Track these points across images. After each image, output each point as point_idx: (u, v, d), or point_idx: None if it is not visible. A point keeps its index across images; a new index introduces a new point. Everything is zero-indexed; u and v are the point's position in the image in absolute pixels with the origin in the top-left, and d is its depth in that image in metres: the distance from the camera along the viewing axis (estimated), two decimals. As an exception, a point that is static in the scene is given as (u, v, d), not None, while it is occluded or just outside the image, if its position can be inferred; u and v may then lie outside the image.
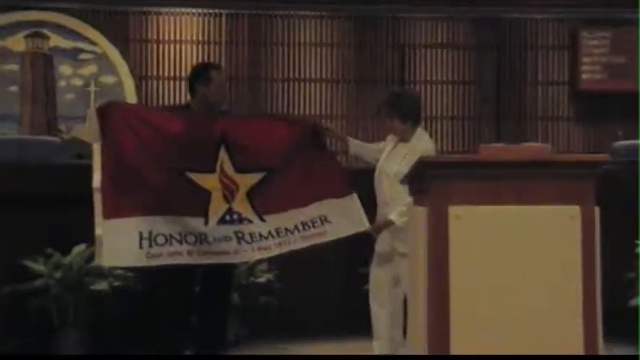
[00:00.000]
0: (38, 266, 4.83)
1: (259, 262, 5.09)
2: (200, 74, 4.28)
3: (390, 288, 4.38)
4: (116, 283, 4.83)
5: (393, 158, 4.39)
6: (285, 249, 4.14)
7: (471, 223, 2.63)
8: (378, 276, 4.43)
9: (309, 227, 4.19)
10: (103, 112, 3.95)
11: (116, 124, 3.94)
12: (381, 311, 4.40)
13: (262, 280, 5.25)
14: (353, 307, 4.86)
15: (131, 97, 9.53)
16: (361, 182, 4.41)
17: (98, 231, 3.84)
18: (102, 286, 4.78)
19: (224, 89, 4.27)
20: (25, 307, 4.78)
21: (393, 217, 4.28)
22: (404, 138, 4.41)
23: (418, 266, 2.89)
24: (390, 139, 4.51)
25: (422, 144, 4.41)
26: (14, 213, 4.95)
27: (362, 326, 4.50)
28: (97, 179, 3.87)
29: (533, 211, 2.65)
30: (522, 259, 2.62)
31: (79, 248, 4.82)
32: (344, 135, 4.68)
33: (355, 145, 4.56)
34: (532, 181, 2.67)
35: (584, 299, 2.60)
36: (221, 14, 9.86)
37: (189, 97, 4.34)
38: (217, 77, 4.24)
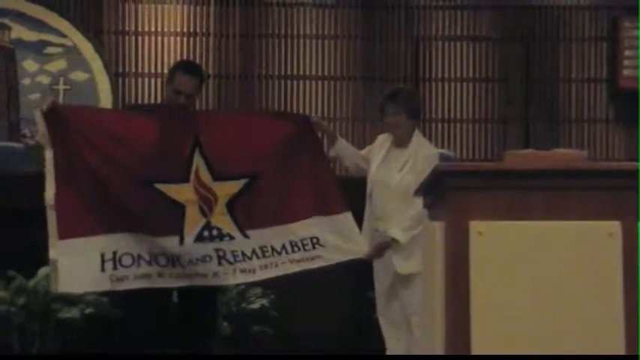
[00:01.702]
0: (-2, 291, 4.84)
1: (252, 286, 5.09)
2: (169, 71, 4.36)
3: (407, 328, 4.32)
4: (88, 310, 4.84)
5: (391, 166, 4.38)
6: (271, 273, 4.13)
7: (495, 241, 2.62)
8: (389, 315, 4.40)
9: (299, 249, 4.17)
10: (50, 115, 3.91)
11: (67, 129, 3.91)
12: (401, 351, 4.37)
13: (256, 306, 5.25)
14: (361, 337, 4.86)
15: (106, 97, 9.54)
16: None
17: (52, 253, 3.84)
18: (72, 313, 4.79)
19: (183, 98, 4.16)
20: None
21: (397, 235, 4.25)
22: (402, 139, 4.41)
23: (434, 290, 2.89)
24: (381, 142, 4.51)
25: (424, 149, 4.43)
26: (-30, 229, 4.96)
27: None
28: (49, 194, 3.87)
29: (567, 228, 2.64)
30: (553, 282, 2.62)
31: (45, 270, 4.82)
32: (334, 132, 4.64)
33: (341, 147, 4.51)
34: (565, 193, 2.67)
35: (627, 331, 2.59)
36: (209, 2, 9.88)
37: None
38: (179, 83, 4.18)
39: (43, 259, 4.78)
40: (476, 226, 2.63)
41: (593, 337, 2.58)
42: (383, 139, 4.52)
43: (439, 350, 2.75)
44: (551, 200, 2.67)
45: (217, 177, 4.09)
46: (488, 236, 2.62)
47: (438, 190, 2.86)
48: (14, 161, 5.57)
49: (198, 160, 4.07)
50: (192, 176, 4.06)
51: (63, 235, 3.84)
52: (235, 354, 5.17)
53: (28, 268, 4.88)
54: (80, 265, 3.86)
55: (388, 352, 4.43)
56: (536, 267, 2.62)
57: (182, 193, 4.03)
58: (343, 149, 4.50)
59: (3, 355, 4.78)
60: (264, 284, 5.11)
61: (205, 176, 4.07)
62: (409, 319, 4.25)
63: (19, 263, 4.91)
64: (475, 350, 2.59)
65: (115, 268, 3.90)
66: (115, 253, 3.90)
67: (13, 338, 4.78)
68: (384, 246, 4.30)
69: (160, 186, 4.00)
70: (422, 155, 4.35)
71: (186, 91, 4.20)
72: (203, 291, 4.15)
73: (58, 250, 3.82)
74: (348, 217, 4.27)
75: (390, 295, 4.37)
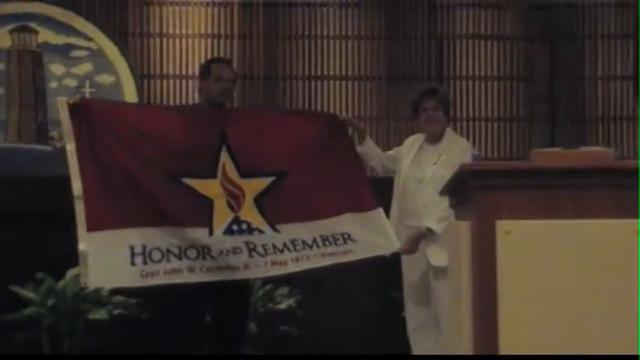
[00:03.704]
0: (27, 293, 4.88)
1: (279, 286, 5.11)
2: (201, 69, 4.39)
3: (435, 330, 4.30)
4: (116, 311, 4.87)
5: (423, 162, 4.38)
6: (302, 266, 4.10)
7: (522, 240, 2.62)
8: (417, 317, 4.38)
9: (330, 243, 4.15)
10: (76, 109, 3.91)
11: (95, 123, 3.91)
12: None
13: (282, 306, 5.26)
14: (387, 337, 4.85)
15: (131, 99, 9.59)
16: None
17: (81, 246, 3.79)
18: (100, 314, 4.82)
19: (225, 82, 4.27)
20: (14, 339, 4.82)
21: (431, 224, 4.24)
22: (437, 134, 4.41)
23: (461, 290, 2.89)
24: (411, 142, 4.51)
25: (458, 144, 4.43)
26: None
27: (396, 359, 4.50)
28: (76, 186, 3.84)
29: (594, 226, 2.63)
30: (582, 281, 2.61)
31: (74, 272, 4.86)
32: (364, 130, 4.64)
33: (369, 146, 4.50)
34: (593, 192, 2.65)
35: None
36: (233, 4, 9.91)
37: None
38: (217, 70, 4.28)
39: (71, 261, 4.84)
40: (503, 226, 2.62)
41: (622, 337, 2.57)
42: (413, 140, 4.52)
43: (466, 351, 2.75)
44: (578, 199, 2.66)
45: (244, 174, 4.10)
46: (515, 236, 2.62)
47: (464, 190, 2.86)
48: (42, 163, 5.61)
49: (225, 157, 4.08)
50: (219, 172, 4.07)
51: (91, 227, 3.81)
52: (262, 354, 5.18)
53: (57, 270, 4.91)
54: (110, 259, 3.82)
55: (414, 354, 4.41)
56: (564, 266, 2.61)
57: (209, 188, 4.04)
58: (371, 148, 4.51)
59: (33, 355, 4.82)
60: (291, 285, 5.12)
61: (232, 173, 4.08)
62: (438, 319, 4.23)
63: (48, 265, 4.94)
64: (503, 351, 2.58)
65: (145, 262, 3.86)
66: (144, 247, 3.87)
67: (44, 339, 4.82)
68: (419, 237, 4.28)
69: (187, 181, 4.01)
70: (456, 148, 4.36)
71: (226, 75, 4.29)
72: (237, 293, 4.14)
73: (87, 242, 3.80)
74: (379, 213, 4.27)
75: (419, 291, 4.35)
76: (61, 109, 3.91)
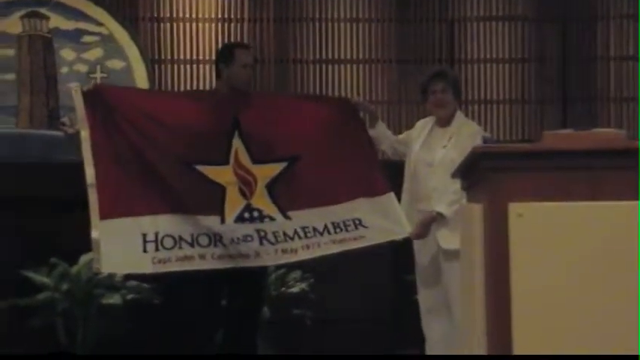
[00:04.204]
0: (41, 278, 4.90)
1: (291, 269, 5.11)
2: (223, 54, 4.33)
3: (447, 313, 4.30)
4: (130, 296, 4.89)
5: (433, 145, 4.37)
6: (313, 253, 4.11)
7: (535, 222, 2.61)
8: (428, 301, 4.39)
9: (341, 230, 4.15)
10: (91, 95, 3.90)
11: (109, 109, 3.91)
12: (439, 337, 4.35)
13: (295, 290, 5.27)
14: (400, 320, 4.86)
15: (142, 84, 9.60)
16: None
17: (94, 233, 3.82)
18: (114, 299, 4.84)
19: (250, 70, 4.27)
20: (28, 324, 4.85)
21: (441, 208, 4.23)
22: (447, 117, 4.40)
23: (473, 273, 2.89)
24: (422, 125, 4.50)
25: (468, 126, 4.42)
26: (12, 218, 5.02)
27: (409, 342, 4.50)
28: (90, 173, 3.85)
29: (608, 208, 2.62)
30: (596, 264, 2.60)
31: (88, 257, 4.87)
32: (376, 113, 4.60)
33: (381, 130, 4.48)
34: (606, 173, 2.64)
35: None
36: (243, -13, 9.89)
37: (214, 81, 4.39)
38: (241, 56, 4.25)
39: (84, 247, 4.85)
40: (515, 208, 2.61)
41: (634, 318, 2.56)
42: (423, 123, 4.51)
43: (479, 334, 2.75)
44: (591, 181, 2.65)
45: (256, 159, 4.10)
46: (527, 218, 2.61)
47: (476, 172, 2.85)
48: (54, 149, 5.62)
49: (237, 143, 4.08)
50: (232, 159, 4.07)
51: (104, 214, 3.83)
52: (276, 337, 5.20)
53: (70, 255, 4.93)
54: (122, 246, 3.85)
55: (427, 338, 4.42)
56: (577, 248, 2.60)
57: (222, 175, 4.04)
58: (382, 132, 4.50)
59: (49, 341, 4.85)
60: (304, 269, 5.13)
61: (244, 159, 4.08)
62: (449, 303, 4.23)
63: (62, 250, 4.96)
64: (516, 335, 2.58)
65: (157, 249, 3.88)
66: (157, 235, 3.89)
67: (58, 323, 4.85)
68: (429, 221, 4.27)
69: (200, 167, 4.02)
70: (465, 132, 4.35)
71: (250, 62, 4.28)
72: (253, 277, 4.15)
73: (100, 229, 3.82)
74: (391, 198, 4.27)
75: (430, 275, 4.35)
76: (74, 95, 3.91)
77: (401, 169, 4.48)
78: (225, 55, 4.28)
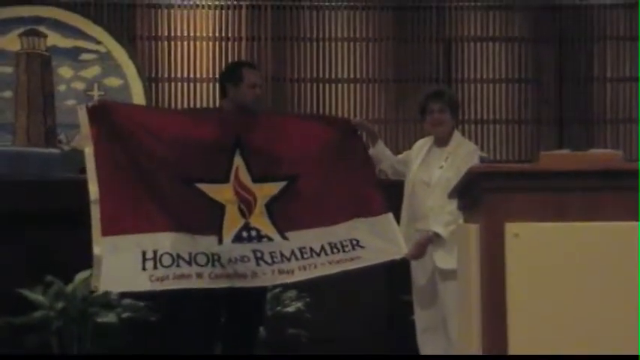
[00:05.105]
0: (36, 296, 4.89)
1: (287, 289, 5.11)
2: (230, 73, 4.32)
3: (443, 333, 4.29)
4: (125, 314, 4.87)
5: (431, 164, 4.39)
6: (309, 274, 4.11)
7: (531, 243, 2.61)
8: (424, 320, 4.38)
9: (338, 250, 4.16)
10: (96, 112, 3.93)
11: (113, 125, 3.93)
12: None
13: (291, 309, 5.26)
14: (396, 340, 4.85)
15: (139, 102, 9.61)
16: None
17: (96, 249, 3.82)
18: (109, 317, 4.82)
19: (258, 89, 4.27)
20: (22, 343, 4.83)
21: (438, 229, 4.24)
22: (444, 137, 4.42)
23: (470, 293, 2.89)
24: (420, 145, 4.52)
25: (465, 146, 4.43)
26: (8, 235, 5.01)
27: (406, 362, 4.50)
28: (93, 190, 3.86)
29: (603, 229, 2.62)
30: (592, 285, 2.60)
31: (83, 275, 4.87)
32: (376, 133, 4.62)
33: (380, 149, 4.51)
34: (602, 194, 2.65)
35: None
36: (241, 6, 9.93)
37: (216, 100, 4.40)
38: (249, 76, 4.25)
39: (80, 264, 4.85)
40: (512, 228, 2.62)
41: (632, 338, 2.56)
42: (422, 143, 4.53)
43: (475, 353, 2.75)
44: (587, 201, 2.65)
45: (257, 178, 4.11)
46: (524, 238, 2.61)
47: (473, 192, 2.86)
48: (51, 166, 5.63)
49: (238, 161, 4.09)
50: (232, 177, 4.08)
51: (106, 231, 3.84)
52: (271, 356, 5.19)
53: (65, 274, 4.92)
54: (122, 263, 3.85)
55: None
56: (573, 269, 2.61)
57: (222, 193, 4.05)
58: (382, 151, 4.51)
59: (43, 355, 4.83)
60: (300, 288, 5.12)
61: (245, 177, 4.09)
62: (446, 322, 4.23)
63: (57, 268, 4.95)
64: (512, 352, 2.58)
65: (155, 267, 3.88)
66: (155, 252, 3.89)
67: (53, 342, 4.83)
68: (426, 241, 4.28)
69: (200, 186, 4.02)
70: (462, 151, 4.36)
71: (259, 82, 4.30)
72: (252, 296, 4.15)
73: (102, 246, 3.83)
74: (389, 218, 4.28)
75: (427, 294, 4.36)
76: (80, 112, 3.94)
77: (401, 188, 4.49)
78: (232, 74, 4.28)
